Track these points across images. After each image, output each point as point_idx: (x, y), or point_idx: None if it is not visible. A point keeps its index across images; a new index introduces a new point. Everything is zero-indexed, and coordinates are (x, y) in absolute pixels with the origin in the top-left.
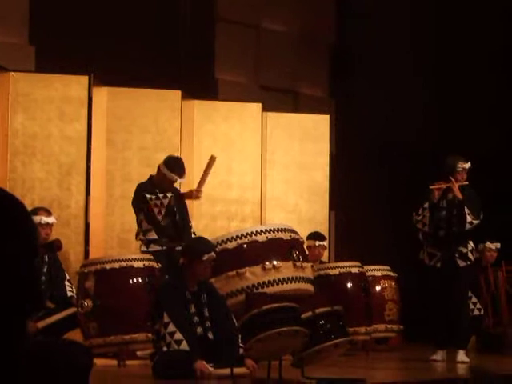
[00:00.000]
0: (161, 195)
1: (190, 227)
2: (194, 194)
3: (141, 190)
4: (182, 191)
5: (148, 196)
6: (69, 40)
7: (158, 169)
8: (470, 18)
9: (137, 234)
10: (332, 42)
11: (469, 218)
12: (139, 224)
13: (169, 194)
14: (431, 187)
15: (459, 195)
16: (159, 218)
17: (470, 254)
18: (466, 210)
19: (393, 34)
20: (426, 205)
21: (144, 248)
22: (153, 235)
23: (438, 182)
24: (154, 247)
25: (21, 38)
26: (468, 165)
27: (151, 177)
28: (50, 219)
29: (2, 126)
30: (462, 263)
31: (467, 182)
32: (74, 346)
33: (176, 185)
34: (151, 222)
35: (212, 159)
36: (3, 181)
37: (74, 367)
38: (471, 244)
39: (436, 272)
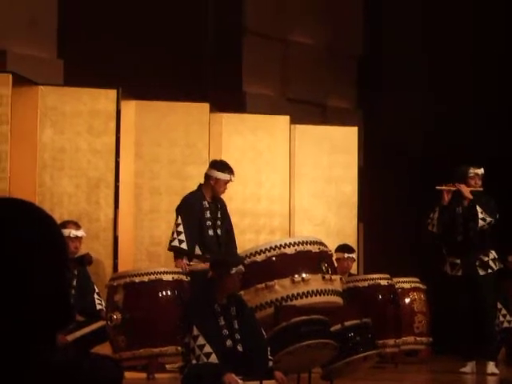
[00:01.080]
0: (206, 204)
1: (233, 241)
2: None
3: (189, 199)
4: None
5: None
6: (97, 54)
7: (207, 176)
8: (485, 30)
9: (171, 245)
10: (359, 54)
11: (480, 215)
12: (174, 233)
13: (207, 203)
14: (438, 188)
15: (469, 195)
16: (207, 231)
17: (491, 263)
18: (479, 209)
19: (418, 45)
20: (437, 207)
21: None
22: (197, 251)
23: (445, 184)
24: (196, 263)
25: (49, 52)
26: (480, 171)
27: (200, 186)
28: (79, 232)
29: (30, 139)
30: (482, 272)
31: (481, 188)
32: (104, 360)
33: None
34: (196, 235)
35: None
36: (32, 195)
37: (105, 380)
38: (493, 253)
39: (458, 281)
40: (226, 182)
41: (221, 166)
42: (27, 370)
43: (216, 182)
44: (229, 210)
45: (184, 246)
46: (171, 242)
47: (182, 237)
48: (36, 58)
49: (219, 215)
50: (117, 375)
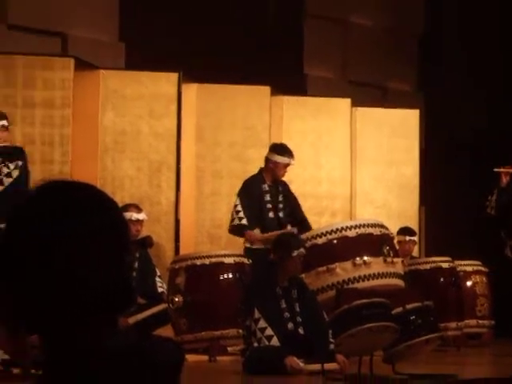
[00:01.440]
0: (266, 187)
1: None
2: (249, 239)
3: (249, 183)
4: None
5: (237, 201)
6: (158, 37)
7: (267, 160)
8: None
9: (232, 225)
10: (420, 34)
11: None
12: (233, 215)
13: (267, 186)
14: (496, 170)
15: None
16: (267, 213)
17: None
18: None
19: (481, 23)
20: (495, 190)
21: (248, 245)
22: (258, 232)
23: (503, 166)
24: (258, 244)
25: (111, 35)
26: None
27: (261, 170)
28: (141, 216)
29: (92, 123)
30: None
31: None
32: (165, 342)
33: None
34: (257, 217)
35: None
36: (94, 178)
37: (165, 363)
38: None
39: None
40: (286, 165)
41: (280, 149)
42: (89, 354)
43: (275, 166)
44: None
45: (244, 221)
46: (231, 222)
47: (241, 214)
48: (97, 41)
49: (280, 198)
50: (178, 358)
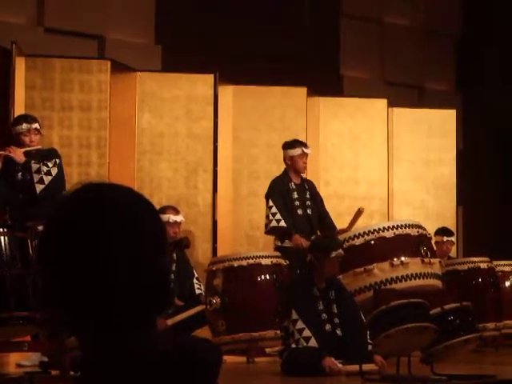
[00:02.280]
0: (292, 185)
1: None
2: (298, 243)
3: (275, 183)
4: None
5: (270, 201)
6: (194, 39)
7: (284, 160)
8: None
9: (266, 226)
10: (457, 34)
11: None
12: (269, 217)
13: (294, 184)
14: None
15: None
16: (296, 211)
17: None
18: None
19: None
20: None
21: (278, 243)
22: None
23: None
24: (289, 243)
25: (147, 38)
26: None
27: (285, 170)
28: (178, 218)
29: (129, 125)
30: None
31: None
32: (203, 343)
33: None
34: (286, 215)
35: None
36: (131, 179)
37: (204, 364)
38: None
39: None
40: (301, 155)
41: (289, 143)
42: (128, 355)
43: (292, 160)
44: (326, 194)
45: (283, 223)
46: (268, 224)
47: (279, 216)
48: (134, 44)
49: (308, 195)
50: (216, 358)
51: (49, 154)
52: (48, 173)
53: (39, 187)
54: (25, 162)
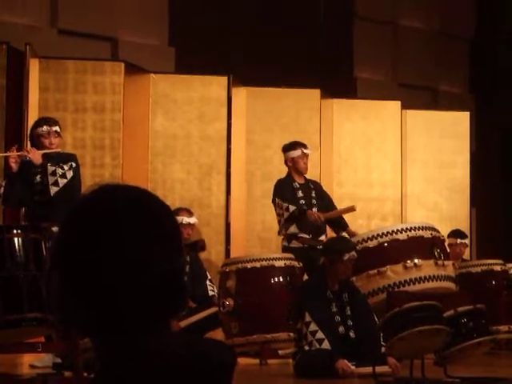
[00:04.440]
0: (285, 205)
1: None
2: (315, 217)
3: (279, 183)
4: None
5: (276, 200)
6: (208, 41)
7: (285, 162)
8: None
9: (279, 231)
10: (471, 37)
11: None
12: (279, 213)
13: (291, 208)
14: None
15: None
16: (279, 225)
17: None
18: None
19: None
20: None
21: (285, 243)
22: (294, 229)
23: None
24: (296, 244)
25: (160, 39)
26: None
27: (288, 173)
28: (192, 219)
29: (142, 127)
30: None
31: None
32: (217, 345)
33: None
34: (290, 216)
35: (351, 209)
36: (145, 181)
37: (219, 365)
38: None
39: None
40: (301, 156)
41: (289, 145)
42: (144, 356)
43: (292, 161)
44: (340, 196)
45: (291, 207)
46: (280, 223)
47: (285, 204)
48: (147, 45)
49: (313, 194)
50: (230, 360)
51: (66, 158)
52: (63, 175)
53: (53, 189)
54: (41, 164)
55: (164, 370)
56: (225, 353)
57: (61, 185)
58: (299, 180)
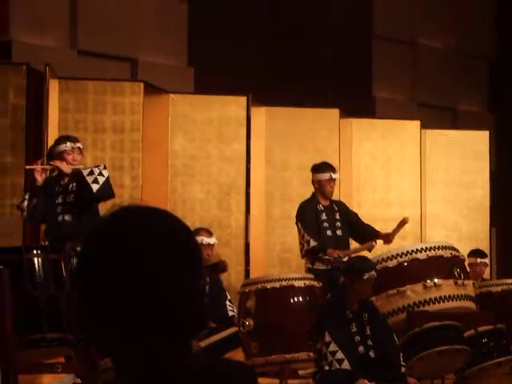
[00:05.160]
0: (306, 238)
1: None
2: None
3: (304, 205)
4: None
5: (299, 225)
6: (227, 61)
7: (312, 182)
8: None
9: (301, 251)
10: (490, 56)
11: None
12: (301, 241)
13: (312, 242)
14: None
15: None
16: (325, 232)
17: None
18: None
19: None
20: None
21: (309, 265)
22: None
23: None
24: (319, 265)
25: (180, 60)
26: None
27: (313, 193)
28: (212, 240)
29: (162, 147)
30: None
31: None
32: (238, 365)
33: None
34: (314, 234)
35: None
36: (164, 202)
37: None
38: None
39: None
40: (329, 180)
41: (318, 167)
42: (166, 377)
43: (319, 184)
44: (359, 215)
45: (313, 243)
46: (302, 249)
47: (307, 237)
48: (167, 66)
49: (337, 216)
50: (251, 380)
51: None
52: (101, 174)
53: (95, 186)
54: (74, 170)
55: None
56: (246, 374)
57: (100, 182)
58: (324, 202)
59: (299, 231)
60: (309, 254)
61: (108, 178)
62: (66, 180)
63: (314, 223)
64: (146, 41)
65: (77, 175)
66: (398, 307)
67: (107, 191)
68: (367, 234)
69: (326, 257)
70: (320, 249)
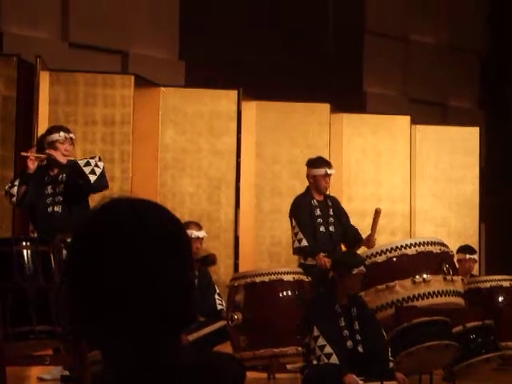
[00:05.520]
0: (315, 202)
1: (356, 230)
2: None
3: (298, 200)
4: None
5: (292, 221)
6: (218, 55)
7: (307, 176)
8: None
9: (292, 246)
10: (481, 52)
11: None
12: (293, 238)
13: (304, 244)
14: None
15: None
16: (318, 228)
17: None
18: None
19: None
20: None
21: (302, 261)
22: (306, 243)
23: None
24: (311, 261)
25: (171, 53)
26: None
27: (307, 188)
28: (201, 233)
29: (152, 140)
30: None
31: None
32: (227, 359)
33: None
34: (307, 233)
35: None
36: (154, 195)
37: (229, 379)
38: None
39: None
40: (324, 176)
41: (314, 161)
42: (155, 370)
43: (314, 179)
44: (349, 210)
45: (304, 243)
46: (293, 245)
47: (300, 235)
48: (158, 59)
49: (331, 212)
50: (240, 374)
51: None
52: (97, 165)
53: (92, 177)
54: (69, 161)
55: (179, 382)
56: (235, 366)
57: (97, 173)
58: (318, 197)
59: (293, 227)
60: (300, 253)
61: (104, 169)
62: (56, 171)
63: (308, 220)
64: (138, 34)
65: (73, 166)
66: (387, 302)
67: (103, 182)
68: (352, 240)
69: (314, 262)
70: (311, 252)
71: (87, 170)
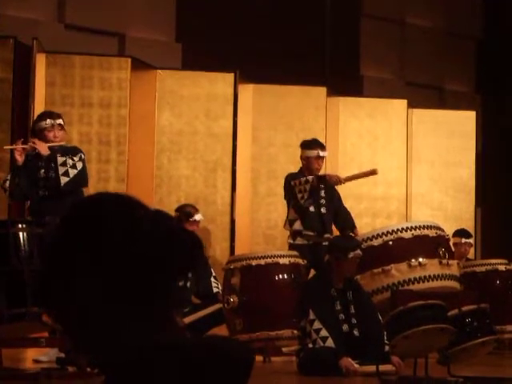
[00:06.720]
0: (303, 179)
1: (348, 214)
2: (336, 179)
3: (288, 178)
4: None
5: (292, 182)
6: (214, 37)
7: (300, 158)
8: None
9: (284, 224)
10: (479, 36)
11: None
12: (288, 214)
13: (310, 178)
14: None
15: None
16: (303, 202)
17: None
18: None
19: None
20: None
21: (290, 240)
22: (298, 226)
23: None
24: (301, 241)
25: (167, 35)
26: None
27: (301, 169)
28: (197, 216)
29: (148, 123)
30: None
31: None
32: (237, 342)
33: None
34: (298, 211)
35: (372, 172)
36: (150, 178)
37: (238, 362)
38: None
39: None
40: (316, 157)
41: (307, 143)
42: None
43: (307, 161)
44: (345, 194)
45: (310, 178)
46: (285, 222)
47: (303, 178)
48: (154, 41)
49: (323, 194)
50: (249, 357)
51: (74, 150)
52: (73, 166)
53: (64, 180)
54: (50, 155)
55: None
56: (244, 349)
57: (71, 175)
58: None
59: (293, 189)
60: (290, 231)
61: (81, 170)
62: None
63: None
64: (134, 16)
65: (50, 160)
66: (383, 286)
67: (77, 183)
68: (342, 223)
69: (308, 232)
70: (319, 178)
71: (61, 170)
